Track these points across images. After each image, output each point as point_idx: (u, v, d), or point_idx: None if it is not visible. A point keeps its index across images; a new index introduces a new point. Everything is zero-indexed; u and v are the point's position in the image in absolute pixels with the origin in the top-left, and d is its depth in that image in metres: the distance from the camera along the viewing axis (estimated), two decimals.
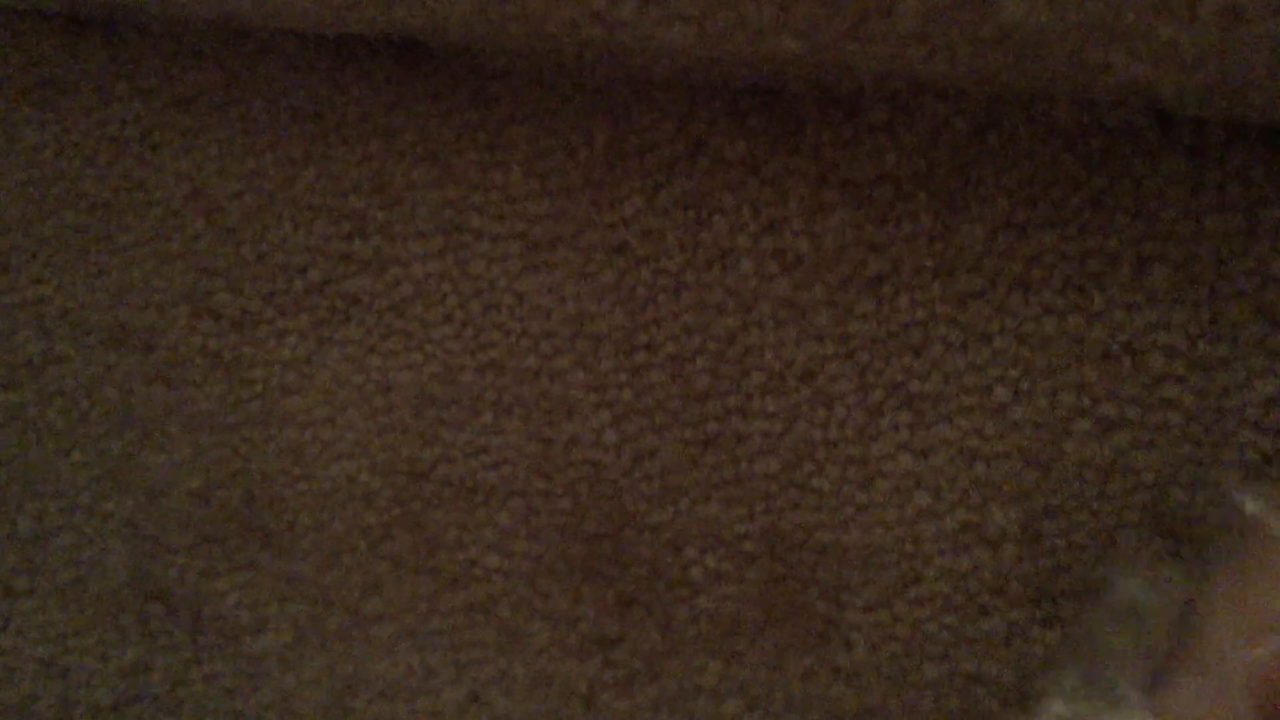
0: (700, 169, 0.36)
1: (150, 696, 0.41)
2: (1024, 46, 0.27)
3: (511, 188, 0.37)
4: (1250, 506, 0.26)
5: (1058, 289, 0.34)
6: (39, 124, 0.41)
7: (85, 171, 0.41)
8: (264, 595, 0.40)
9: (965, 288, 0.34)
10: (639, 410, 0.37)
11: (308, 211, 0.39)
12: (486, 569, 0.38)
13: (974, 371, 0.34)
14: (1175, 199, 0.33)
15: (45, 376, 0.42)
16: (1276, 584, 0.25)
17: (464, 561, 0.39)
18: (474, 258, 0.38)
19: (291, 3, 0.35)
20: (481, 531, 0.38)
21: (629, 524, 0.37)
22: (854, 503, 0.36)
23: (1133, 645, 0.27)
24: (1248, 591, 0.25)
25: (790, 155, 0.35)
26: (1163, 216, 0.33)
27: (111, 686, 0.41)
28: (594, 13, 0.30)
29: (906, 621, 0.35)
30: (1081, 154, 0.33)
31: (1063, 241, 0.33)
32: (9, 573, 0.42)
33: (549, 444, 0.38)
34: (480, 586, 0.38)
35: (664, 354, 0.37)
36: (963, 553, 0.35)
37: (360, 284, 0.39)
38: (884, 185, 0.35)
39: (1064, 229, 0.33)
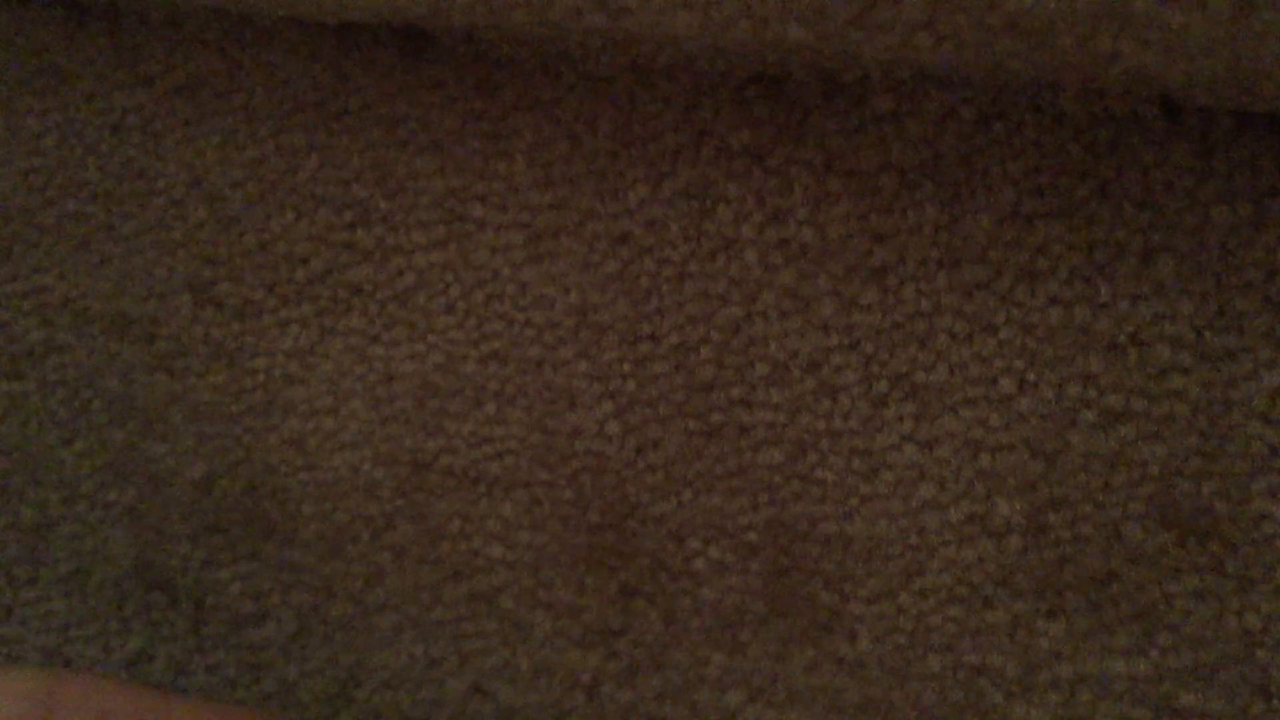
0: (704, 158, 0.36)
1: (153, 686, 0.41)
2: (1031, 34, 0.27)
3: (515, 177, 0.37)
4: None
5: (1064, 280, 0.33)
6: (40, 112, 0.41)
7: (86, 160, 0.41)
8: (266, 585, 0.40)
9: (971, 278, 0.34)
10: (642, 401, 0.37)
11: (310, 201, 0.39)
12: (489, 559, 0.38)
13: (979, 362, 0.34)
14: (1183, 189, 0.32)
15: (47, 366, 0.42)
16: None
17: (467, 552, 0.39)
18: (477, 247, 0.38)
19: None
20: (484, 522, 0.38)
21: (632, 515, 0.37)
22: (858, 494, 0.35)
23: None
24: None
25: (795, 145, 0.35)
26: (1170, 207, 0.33)
27: (114, 676, 0.41)
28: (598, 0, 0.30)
29: (910, 613, 0.35)
30: (1088, 143, 0.33)
31: (1069, 232, 0.33)
32: (11, 562, 0.42)
33: (552, 434, 0.38)
34: (483, 577, 0.38)
35: (668, 344, 0.37)
36: (967, 544, 0.35)
37: (363, 273, 0.39)
38: (889, 175, 0.34)
39: (1070, 219, 0.33)
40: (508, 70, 0.37)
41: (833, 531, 0.36)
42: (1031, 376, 0.34)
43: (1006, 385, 0.34)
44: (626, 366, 0.37)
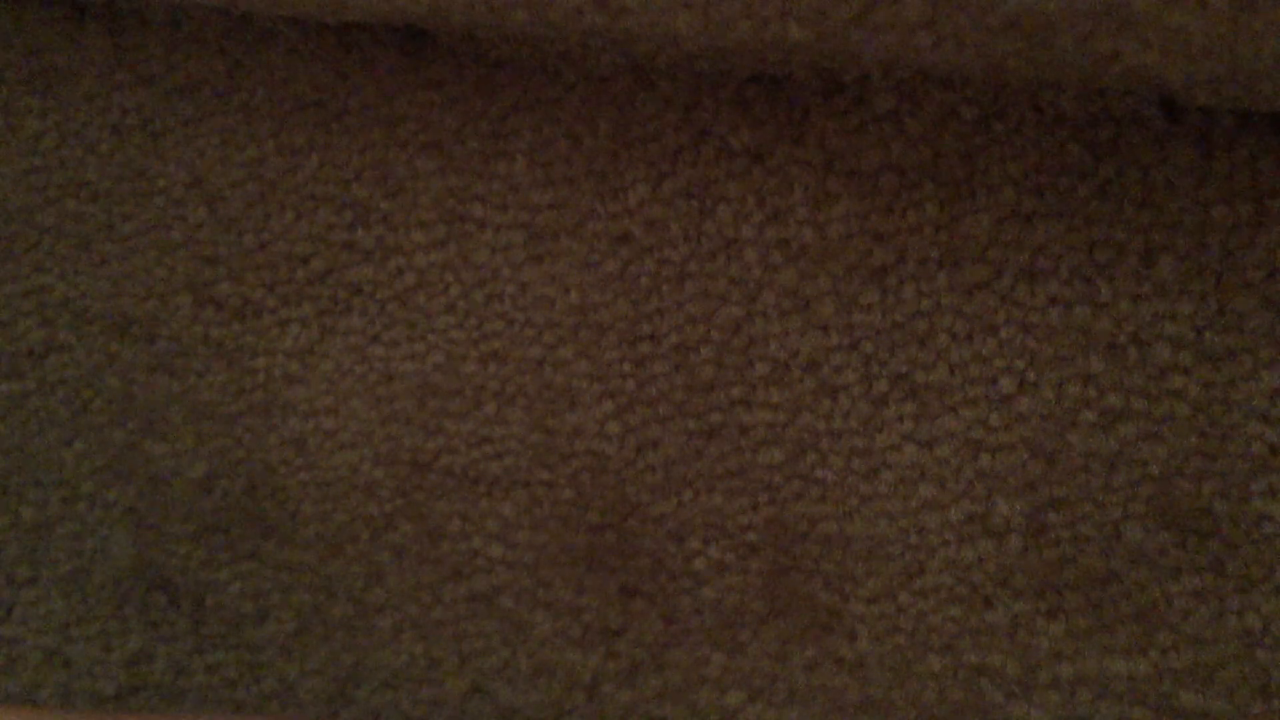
0: (704, 158, 0.36)
1: (153, 686, 0.41)
2: (1031, 34, 0.27)
3: (515, 177, 0.37)
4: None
5: (1064, 279, 0.33)
6: (40, 112, 0.41)
7: (87, 160, 0.41)
8: (266, 585, 0.40)
9: (971, 278, 0.34)
10: (642, 401, 0.37)
11: (310, 200, 0.39)
12: (489, 559, 0.38)
13: (979, 362, 0.34)
14: (1183, 189, 0.32)
15: (47, 365, 0.42)
16: None
17: (467, 551, 0.39)
18: (477, 247, 0.38)
19: None
20: (484, 522, 0.38)
21: (632, 514, 0.37)
22: (858, 494, 0.35)
23: None
24: None
25: (795, 144, 0.35)
26: (1170, 206, 0.33)
27: (114, 676, 0.41)
28: (598, 0, 0.30)
29: (910, 613, 0.35)
30: (1088, 143, 0.33)
31: (1069, 232, 0.33)
32: (12, 562, 0.42)
33: (552, 434, 0.38)
34: (483, 577, 0.38)
35: (668, 344, 0.37)
36: (967, 544, 0.35)
37: (363, 273, 0.39)
38: (889, 175, 0.34)
39: (1070, 219, 0.33)
40: (507, 71, 0.37)
41: (833, 531, 0.36)
42: (1032, 376, 0.34)
43: (1006, 385, 0.34)
44: (626, 366, 0.37)
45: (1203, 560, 0.33)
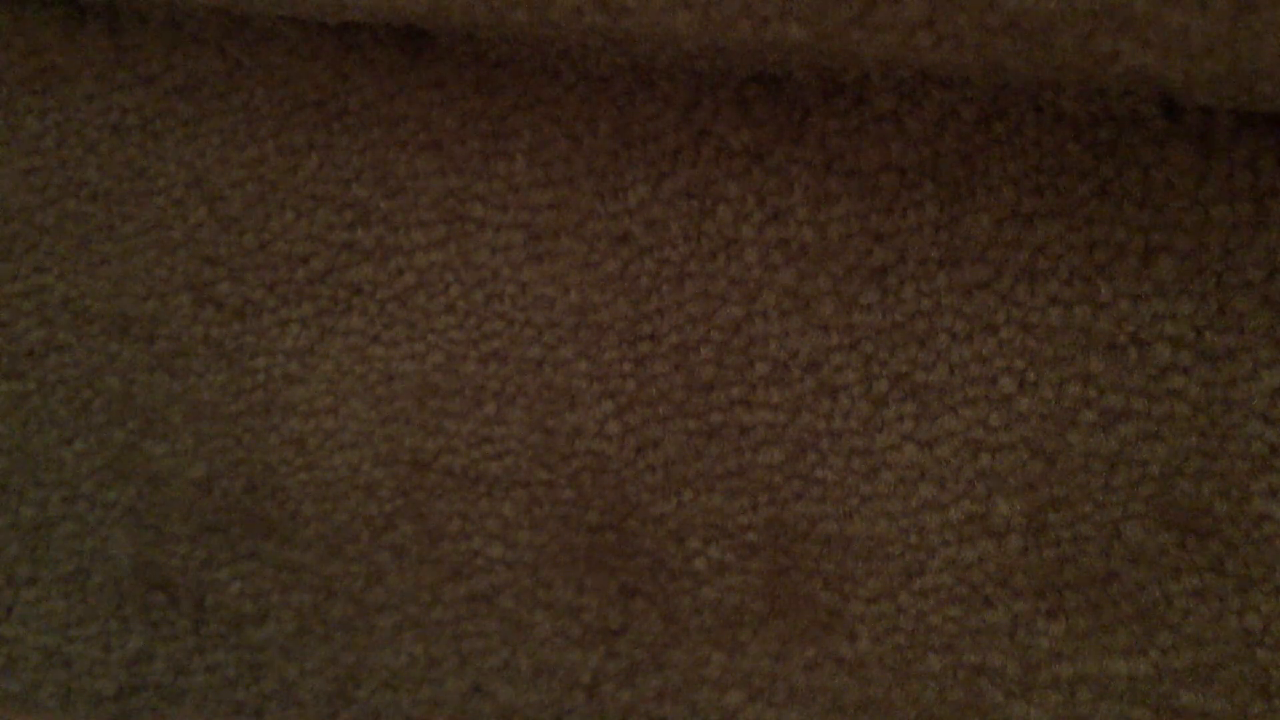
0: (704, 158, 0.36)
1: (153, 686, 0.41)
2: (1032, 34, 0.27)
3: (515, 177, 0.37)
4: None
5: (1064, 279, 0.33)
6: (40, 112, 0.41)
7: (87, 160, 0.41)
8: (266, 585, 0.40)
9: (971, 278, 0.34)
10: (642, 400, 0.37)
11: (310, 200, 0.39)
12: (489, 559, 0.38)
13: (979, 362, 0.34)
14: (1183, 189, 0.32)
15: (47, 365, 0.42)
16: None
17: (467, 551, 0.39)
18: (477, 247, 0.38)
19: None
20: (484, 522, 0.38)
21: (632, 514, 0.37)
22: (858, 494, 0.35)
23: None
24: None
25: (795, 144, 0.35)
26: (1170, 206, 0.33)
27: (114, 676, 0.41)
28: None
29: (910, 613, 0.35)
30: (1088, 143, 0.33)
31: (1069, 231, 0.33)
32: (12, 561, 0.42)
33: (552, 434, 0.38)
34: (483, 577, 0.38)
35: (668, 344, 0.37)
36: (967, 544, 0.35)
37: (363, 273, 0.39)
38: (889, 174, 0.34)
39: (1070, 219, 0.33)
40: (507, 70, 0.37)
41: (832, 531, 0.36)
42: (1032, 376, 0.34)
43: (1007, 385, 0.34)
44: (626, 366, 0.37)
45: (1203, 560, 0.33)
